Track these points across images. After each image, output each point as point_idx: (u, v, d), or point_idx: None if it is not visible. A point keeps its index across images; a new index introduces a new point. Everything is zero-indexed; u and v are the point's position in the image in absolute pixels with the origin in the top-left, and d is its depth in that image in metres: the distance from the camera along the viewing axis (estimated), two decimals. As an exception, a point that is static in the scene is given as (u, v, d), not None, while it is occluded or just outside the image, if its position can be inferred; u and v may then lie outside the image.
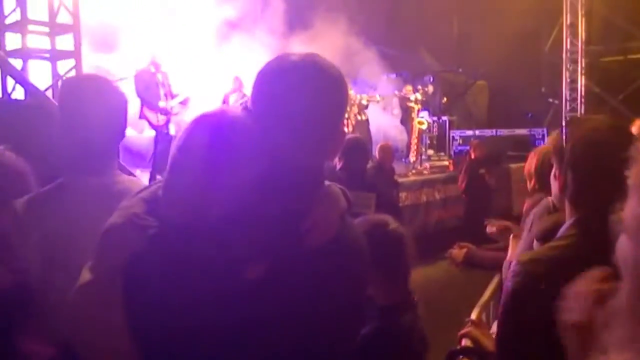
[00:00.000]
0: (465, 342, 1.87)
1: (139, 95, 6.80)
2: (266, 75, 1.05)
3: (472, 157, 8.12)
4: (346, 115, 8.70)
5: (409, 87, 10.48)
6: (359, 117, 9.76)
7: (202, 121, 1.02)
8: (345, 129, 8.98)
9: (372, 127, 10.38)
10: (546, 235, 1.70)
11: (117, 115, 1.43)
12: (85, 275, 1.20)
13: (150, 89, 6.84)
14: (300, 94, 1.01)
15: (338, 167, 3.60)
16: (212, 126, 1.01)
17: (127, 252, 1.04)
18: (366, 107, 9.74)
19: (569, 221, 1.39)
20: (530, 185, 2.79)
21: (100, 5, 8.42)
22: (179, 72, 8.38)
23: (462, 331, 1.85)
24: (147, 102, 6.83)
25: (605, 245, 1.25)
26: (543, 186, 2.49)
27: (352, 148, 3.62)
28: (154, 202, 1.11)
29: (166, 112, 6.98)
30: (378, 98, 10.09)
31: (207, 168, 0.98)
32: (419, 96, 10.22)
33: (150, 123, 6.99)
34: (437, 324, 2.30)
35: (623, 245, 0.72)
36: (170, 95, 7.04)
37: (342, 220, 1.10)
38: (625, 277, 0.71)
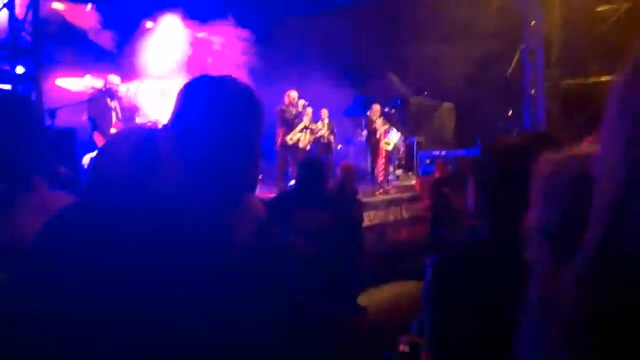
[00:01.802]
0: (403, 348, 1.95)
1: (90, 119, 6.81)
2: (183, 92, 1.14)
3: (437, 176, 8.29)
4: (303, 135, 8.82)
5: (377, 107, 10.58)
6: (322, 140, 9.88)
7: (120, 135, 1.09)
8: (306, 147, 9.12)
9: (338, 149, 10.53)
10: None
11: (22, 128, 1.40)
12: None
13: (103, 114, 6.87)
14: (211, 110, 1.10)
15: (295, 186, 3.68)
16: (129, 140, 1.08)
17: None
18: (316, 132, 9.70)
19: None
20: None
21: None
22: (147, 97, 8.42)
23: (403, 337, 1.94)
24: (98, 126, 6.84)
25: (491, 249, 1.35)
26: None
27: (308, 168, 3.70)
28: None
29: None
30: (320, 126, 10.00)
31: (124, 179, 1.04)
32: (379, 123, 10.32)
33: (97, 147, 6.98)
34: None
35: (531, 250, 0.77)
36: (123, 122, 7.08)
37: (259, 228, 1.18)
38: (534, 278, 0.75)
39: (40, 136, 1.40)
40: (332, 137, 10.09)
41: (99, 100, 6.88)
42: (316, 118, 9.87)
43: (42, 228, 1.06)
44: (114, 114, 6.94)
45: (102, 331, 0.97)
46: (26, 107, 1.42)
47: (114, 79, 7.03)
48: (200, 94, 1.12)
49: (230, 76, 1.16)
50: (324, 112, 10.06)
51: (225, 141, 1.09)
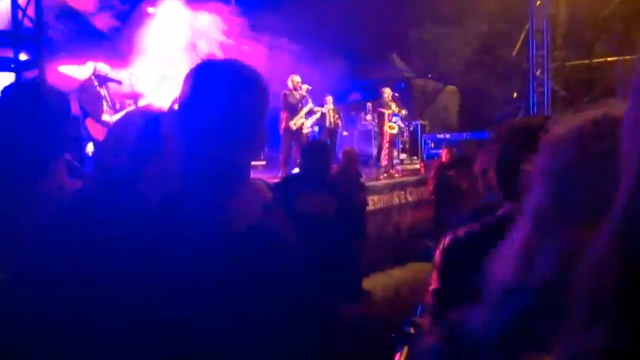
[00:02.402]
0: (408, 329, 1.96)
1: (81, 107, 6.81)
2: (190, 77, 1.14)
3: (443, 160, 8.29)
4: (306, 120, 8.81)
5: (388, 90, 10.49)
6: (329, 126, 9.85)
7: (128, 117, 1.10)
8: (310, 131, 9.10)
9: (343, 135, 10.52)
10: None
11: (54, 120, 1.44)
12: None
13: (94, 101, 6.87)
14: (219, 93, 1.10)
15: (299, 170, 3.69)
16: (136, 121, 1.09)
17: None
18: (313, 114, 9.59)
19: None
20: (481, 184, 2.92)
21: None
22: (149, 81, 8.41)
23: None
24: (91, 114, 6.86)
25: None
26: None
27: (312, 152, 3.71)
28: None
29: (108, 126, 7.02)
30: (316, 109, 9.86)
31: (133, 158, 1.05)
32: (394, 107, 10.26)
33: (90, 135, 7.00)
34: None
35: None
36: (113, 110, 7.10)
37: (266, 210, 1.20)
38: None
39: (61, 124, 1.42)
40: (339, 122, 10.05)
41: (89, 89, 6.90)
42: (321, 103, 9.84)
43: (43, 227, 1.08)
44: (104, 102, 6.98)
45: (98, 333, 0.99)
46: (48, 96, 1.44)
47: (103, 67, 7.05)
48: (207, 78, 1.12)
49: (236, 60, 1.16)
50: (329, 99, 10.01)
51: (231, 125, 1.10)
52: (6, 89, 1.49)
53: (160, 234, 1.04)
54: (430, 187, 8.17)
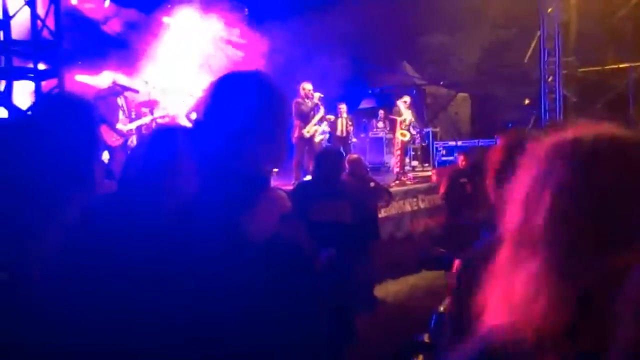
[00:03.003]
0: (424, 338, 1.99)
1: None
2: (211, 90, 1.18)
3: (459, 165, 8.27)
4: (319, 128, 8.84)
5: (407, 98, 10.50)
6: (341, 134, 9.88)
7: (153, 133, 1.15)
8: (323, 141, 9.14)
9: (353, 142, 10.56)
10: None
11: (91, 125, 1.52)
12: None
13: (111, 110, 7.01)
14: (241, 105, 1.14)
15: (312, 177, 3.73)
16: (159, 137, 1.14)
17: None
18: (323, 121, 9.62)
19: None
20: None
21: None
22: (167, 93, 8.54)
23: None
24: (106, 122, 7.00)
25: None
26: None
27: (325, 159, 3.74)
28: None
29: (123, 135, 7.19)
30: (328, 117, 9.87)
31: (154, 173, 1.09)
32: (409, 116, 10.29)
33: (105, 142, 7.12)
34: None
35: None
36: (129, 118, 7.23)
37: (284, 219, 1.22)
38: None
39: (96, 129, 1.49)
40: (350, 129, 10.07)
41: (107, 99, 7.07)
42: (333, 111, 9.87)
43: (65, 228, 1.12)
44: (121, 112, 7.14)
45: (105, 334, 1.02)
46: (89, 108, 1.51)
47: (121, 77, 7.20)
48: (230, 90, 1.15)
49: (257, 72, 1.19)
50: (343, 107, 10.04)
51: (252, 136, 1.13)
52: (42, 99, 1.55)
53: (177, 244, 1.06)
54: (442, 190, 8.14)
